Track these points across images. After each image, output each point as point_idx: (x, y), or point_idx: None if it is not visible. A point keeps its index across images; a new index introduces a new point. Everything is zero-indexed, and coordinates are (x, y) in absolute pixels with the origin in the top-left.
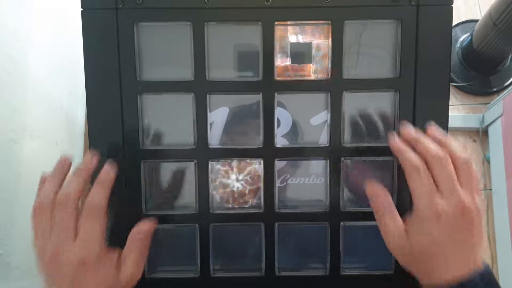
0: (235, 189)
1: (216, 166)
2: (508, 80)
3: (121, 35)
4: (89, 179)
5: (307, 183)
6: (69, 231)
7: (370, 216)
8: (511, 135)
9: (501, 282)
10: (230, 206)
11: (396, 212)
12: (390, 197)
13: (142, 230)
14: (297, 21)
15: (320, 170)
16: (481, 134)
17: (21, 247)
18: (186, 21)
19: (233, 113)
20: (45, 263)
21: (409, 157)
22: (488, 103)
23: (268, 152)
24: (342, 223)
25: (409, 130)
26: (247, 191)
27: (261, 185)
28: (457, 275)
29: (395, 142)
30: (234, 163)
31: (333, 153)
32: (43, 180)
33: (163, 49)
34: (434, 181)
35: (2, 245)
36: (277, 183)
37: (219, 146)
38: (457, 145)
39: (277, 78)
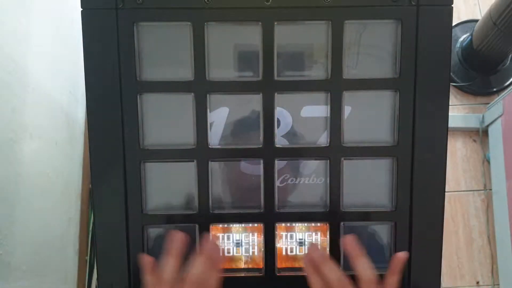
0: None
1: None
2: (508, 80)
3: (121, 35)
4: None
5: (307, 183)
6: None
7: (370, 216)
8: (511, 135)
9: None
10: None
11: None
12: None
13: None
14: (297, 21)
15: (320, 170)
16: (481, 134)
17: (21, 247)
18: (186, 21)
19: (233, 113)
20: None
21: (314, 281)
22: (488, 103)
23: (268, 152)
24: (342, 223)
25: (314, 254)
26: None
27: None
28: None
29: (305, 264)
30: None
31: (333, 153)
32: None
33: (163, 49)
34: None
35: (2, 245)
36: (277, 183)
37: (219, 146)
38: (364, 263)
39: (277, 78)
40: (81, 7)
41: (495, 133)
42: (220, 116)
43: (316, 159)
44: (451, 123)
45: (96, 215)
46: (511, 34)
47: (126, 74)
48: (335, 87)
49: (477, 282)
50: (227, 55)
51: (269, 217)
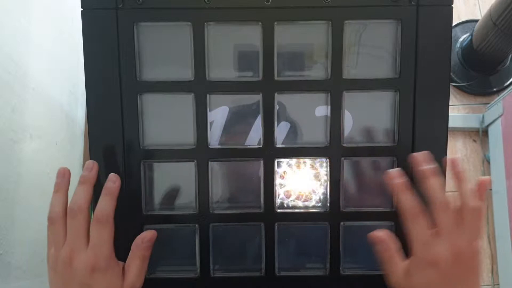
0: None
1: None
2: (508, 80)
3: (121, 35)
4: (93, 187)
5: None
6: (81, 239)
7: (370, 216)
8: (511, 135)
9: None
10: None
11: (399, 256)
12: (395, 243)
13: (145, 238)
14: (297, 21)
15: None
16: (481, 134)
17: (21, 247)
18: (186, 21)
19: (232, 112)
20: (58, 270)
21: (409, 201)
22: (488, 103)
23: (268, 152)
24: (342, 223)
25: (422, 161)
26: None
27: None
28: None
29: (393, 178)
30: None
31: (333, 153)
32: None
33: (163, 49)
34: (435, 221)
35: (2, 245)
36: (277, 183)
37: (219, 146)
38: (472, 190)
39: (277, 78)
40: (81, 7)
41: (495, 133)
42: (220, 116)
43: (316, 159)
44: (451, 123)
45: None
46: (511, 34)
47: (126, 74)
48: (335, 87)
49: None
50: (227, 55)
51: (269, 217)
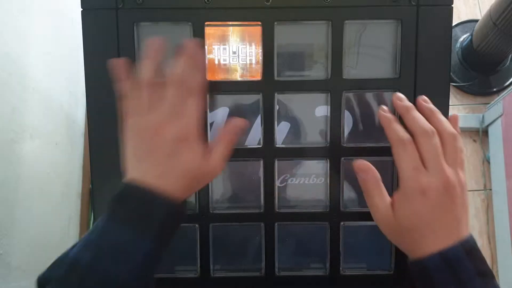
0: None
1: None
2: (508, 80)
3: (121, 35)
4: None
5: (307, 183)
6: (177, 108)
7: (370, 216)
8: (511, 135)
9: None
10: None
11: (383, 188)
12: (378, 174)
13: (236, 124)
14: (297, 21)
15: (320, 170)
16: (481, 134)
17: (21, 247)
18: (186, 21)
19: (233, 112)
20: (144, 137)
21: (396, 129)
22: (488, 103)
23: (268, 152)
24: (342, 223)
25: (400, 99)
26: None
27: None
28: (440, 247)
29: (384, 111)
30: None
31: (333, 153)
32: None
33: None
34: (419, 155)
35: (2, 245)
36: (277, 183)
37: None
38: (445, 120)
39: (277, 78)
40: (81, 7)
41: (495, 133)
42: (220, 116)
43: (316, 159)
44: None
45: (96, 215)
46: (511, 34)
47: None
48: (335, 87)
49: None
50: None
51: (269, 217)
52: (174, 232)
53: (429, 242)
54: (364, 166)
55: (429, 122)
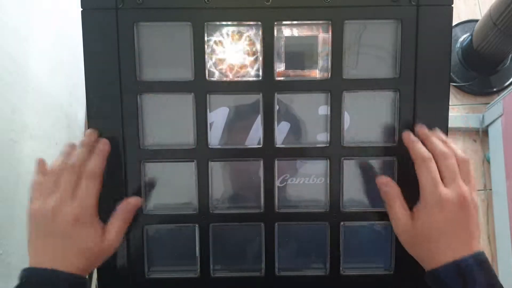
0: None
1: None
2: (508, 80)
3: (121, 35)
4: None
5: (307, 183)
6: (70, 191)
7: (370, 216)
8: (511, 135)
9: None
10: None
11: (403, 200)
12: (398, 187)
13: (130, 203)
14: (297, 21)
15: (320, 170)
16: (481, 134)
17: (21, 247)
18: (186, 21)
19: (233, 113)
20: (41, 221)
21: (420, 148)
22: (488, 103)
23: (268, 152)
24: (342, 223)
25: (423, 128)
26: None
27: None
28: (454, 257)
29: (408, 134)
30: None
31: (333, 153)
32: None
33: (163, 49)
34: (439, 173)
35: (2, 245)
36: (277, 183)
37: (219, 146)
38: (458, 147)
39: (277, 78)
40: (81, 7)
41: (495, 133)
42: (220, 116)
43: (316, 159)
44: (451, 123)
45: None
46: (511, 34)
47: (126, 74)
48: (335, 87)
49: None
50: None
51: (269, 217)
52: None
53: (444, 253)
54: (385, 180)
55: (437, 149)
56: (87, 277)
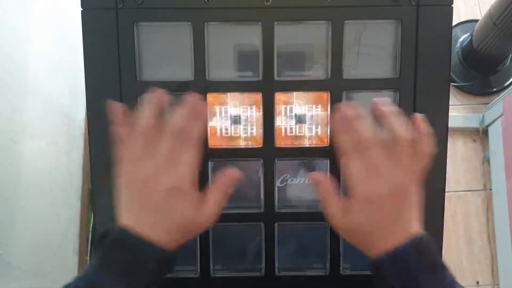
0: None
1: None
2: (508, 80)
3: (121, 35)
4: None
5: (307, 183)
6: (172, 158)
7: None
8: (511, 135)
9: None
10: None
11: (337, 196)
12: (331, 183)
13: (231, 174)
14: (297, 21)
15: (320, 170)
16: (481, 134)
17: (21, 247)
18: (186, 21)
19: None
20: (135, 187)
21: (343, 139)
22: (488, 103)
23: (268, 152)
24: None
25: (347, 110)
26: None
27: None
28: (391, 246)
29: (336, 120)
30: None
31: (333, 153)
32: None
33: (163, 49)
34: (368, 162)
35: (2, 245)
36: (277, 183)
37: (219, 146)
38: (399, 121)
39: (277, 78)
40: (81, 7)
41: (495, 133)
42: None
43: (316, 159)
44: (451, 123)
45: (96, 215)
46: (511, 34)
47: (126, 74)
48: (335, 87)
49: (477, 282)
50: (227, 55)
51: (269, 217)
52: (162, 280)
53: (381, 244)
54: (319, 178)
55: (385, 126)
56: (176, 251)
